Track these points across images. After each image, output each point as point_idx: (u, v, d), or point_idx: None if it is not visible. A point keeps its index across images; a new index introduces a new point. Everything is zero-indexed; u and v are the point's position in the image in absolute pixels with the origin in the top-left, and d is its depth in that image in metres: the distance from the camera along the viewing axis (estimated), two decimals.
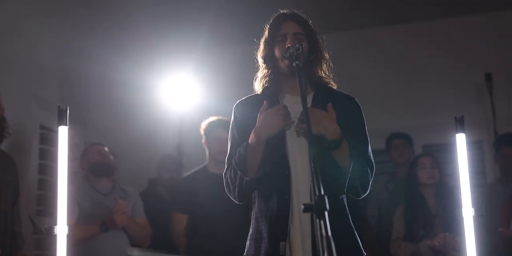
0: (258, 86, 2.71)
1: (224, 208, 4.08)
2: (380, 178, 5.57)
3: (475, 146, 5.74)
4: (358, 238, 2.57)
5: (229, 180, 2.60)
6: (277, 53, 2.63)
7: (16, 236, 3.55)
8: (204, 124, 4.52)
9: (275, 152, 2.53)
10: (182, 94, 6.19)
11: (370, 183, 2.59)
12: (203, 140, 4.52)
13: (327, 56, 2.72)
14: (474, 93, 5.90)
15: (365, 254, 2.56)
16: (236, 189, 2.57)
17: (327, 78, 2.71)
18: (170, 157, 5.74)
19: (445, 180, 4.44)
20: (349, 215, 2.58)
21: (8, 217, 3.54)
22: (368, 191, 2.60)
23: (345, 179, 2.50)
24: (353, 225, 2.59)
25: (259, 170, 2.52)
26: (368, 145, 2.64)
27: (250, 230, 2.61)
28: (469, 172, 3.00)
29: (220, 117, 4.46)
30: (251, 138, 2.52)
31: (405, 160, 5.27)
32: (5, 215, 3.54)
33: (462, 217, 2.93)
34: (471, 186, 3.01)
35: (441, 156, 5.12)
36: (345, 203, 2.59)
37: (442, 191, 4.38)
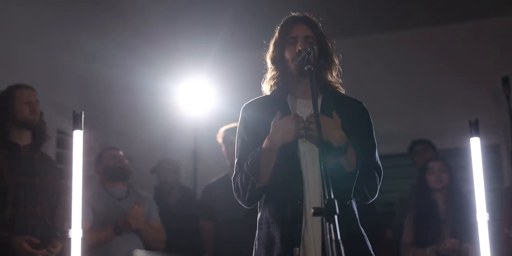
0: (266, 88, 2.71)
1: (244, 212, 4.12)
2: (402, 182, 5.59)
3: (492, 150, 5.70)
4: (368, 243, 2.55)
5: (239, 184, 2.58)
6: (287, 55, 2.61)
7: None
8: (222, 132, 4.55)
9: (288, 157, 2.51)
10: (198, 98, 6.19)
11: (378, 187, 2.57)
12: (223, 149, 4.55)
13: (336, 60, 2.70)
14: (491, 97, 5.86)
15: None
16: (247, 194, 2.56)
17: (335, 83, 2.69)
18: (158, 163, 5.73)
19: (456, 184, 4.41)
20: (358, 220, 2.57)
21: (48, 222, 3.64)
22: (377, 195, 2.59)
23: (351, 185, 2.47)
24: (365, 229, 2.58)
25: (272, 177, 2.50)
26: (376, 149, 2.62)
27: (258, 234, 2.58)
28: (485, 176, 2.99)
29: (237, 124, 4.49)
30: (265, 144, 2.50)
31: None
32: (43, 220, 3.62)
33: (474, 222, 2.91)
34: (487, 190, 2.99)
35: (458, 160, 5.10)
36: (354, 207, 2.57)
37: (452, 195, 4.35)
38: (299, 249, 2.42)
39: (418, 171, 4.73)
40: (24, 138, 3.72)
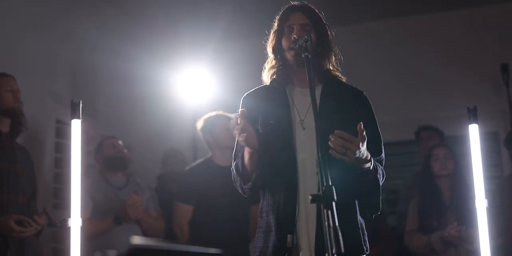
0: (266, 77, 2.71)
1: (227, 200, 4.14)
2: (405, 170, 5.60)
3: (491, 138, 5.69)
4: (365, 235, 2.57)
5: (233, 178, 2.64)
6: (284, 43, 2.62)
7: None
8: (201, 121, 4.59)
9: (283, 147, 2.52)
10: (197, 88, 6.19)
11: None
12: (201, 137, 4.59)
13: (336, 48, 2.69)
14: (490, 84, 5.85)
15: (368, 252, 2.56)
16: (239, 189, 2.64)
17: (335, 71, 2.68)
18: (170, 151, 5.74)
19: (460, 171, 4.41)
20: (357, 212, 2.58)
21: (26, 210, 3.60)
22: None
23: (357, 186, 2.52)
24: (363, 219, 2.60)
25: (256, 178, 2.52)
26: (381, 142, 2.62)
27: (259, 223, 2.61)
28: (485, 164, 3.00)
29: (217, 112, 4.55)
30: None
31: None
32: (23, 207, 3.60)
33: (474, 209, 2.92)
34: (486, 178, 3.00)
35: (458, 148, 5.09)
36: (355, 200, 2.59)
37: (457, 182, 4.35)
38: (292, 237, 2.44)
39: (423, 158, 4.72)
40: (4, 126, 3.68)
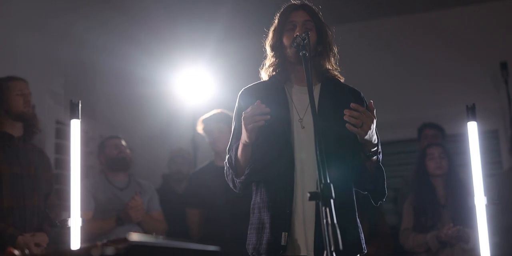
0: (264, 74, 2.71)
1: (231, 198, 4.16)
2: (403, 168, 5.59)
3: (491, 136, 5.69)
4: (362, 234, 2.57)
5: (226, 172, 2.64)
6: (285, 41, 2.62)
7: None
8: (200, 123, 4.62)
9: (281, 144, 2.52)
10: (197, 88, 6.19)
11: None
12: (206, 139, 4.61)
13: (335, 48, 2.70)
14: (490, 82, 5.85)
15: (365, 251, 2.57)
16: (231, 183, 2.63)
17: (334, 70, 2.69)
18: (178, 151, 5.75)
19: (455, 170, 4.42)
20: (356, 211, 2.58)
21: (42, 212, 3.67)
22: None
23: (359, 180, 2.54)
24: (365, 217, 2.60)
25: (250, 172, 2.52)
26: (379, 141, 2.63)
27: (251, 219, 2.61)
28: (485, 161, 3.01)
29: (216, 111, 4.56)
30: (241, 138, 2.51)
31: None
32: (39, 209, 3.66)
33: (473, 206, 2.92)
34: (485, 175, 3.00)
35: (457, 147, 5.09)
36: (354, 197, 2.59)
37: (452, 181, 4.36)
38: (287, 234, 2.44)
39: (417, 157, 4.72)
40: (17, 130, 3.72)
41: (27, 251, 1.61)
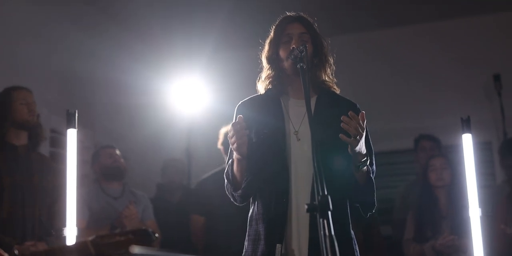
0: (261, 87, 2.71)
1: (238, 208, 4.16)
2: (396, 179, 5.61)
3: (484, 147, 5.71)
4: (356, 246, 2.57)
5: (225, 184, 2.63)
6: (281, 53, 2.61)
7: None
8: (221, 136, 4.58)
9: (275, 156, 2.52)
10: (191, 98, 6.20)
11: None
12: (222, 152, 4.59)
13: (331, 60, 2.70)
14: (483, 94, 5.89)
15: None
16: (230, 197, 2.63)
17: (330, 82, 2.69)
18: (170, 161, 5.75)
19: (458, 181, 4.41)
20: (350, 223, 2.58)
21: (42, 224, 3.65)
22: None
23: (351, 189, 2.53)
24: (359, 229, 2.61)
25: (246, 186, 2.52)
26: (373, 153, 2.62)
27: (248, 231, 2.60)
28: (478, 173, 3.02)
29: None
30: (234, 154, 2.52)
31: None
32: (40, 221, 3.65)
33: (468, 217, 2.94)
34: (479, 187, 3.02)
35: (452, 157, 5.10)
36: (348, 211, 2.59)
37: (454, 192, 4.36)
38: (282, 246, 2.44)
39: (421, 167, 4.72)
40: (21, 139, 3.73)
41: None
